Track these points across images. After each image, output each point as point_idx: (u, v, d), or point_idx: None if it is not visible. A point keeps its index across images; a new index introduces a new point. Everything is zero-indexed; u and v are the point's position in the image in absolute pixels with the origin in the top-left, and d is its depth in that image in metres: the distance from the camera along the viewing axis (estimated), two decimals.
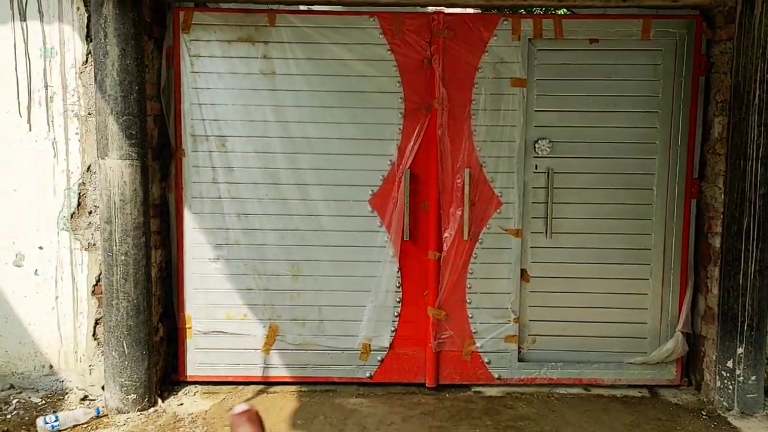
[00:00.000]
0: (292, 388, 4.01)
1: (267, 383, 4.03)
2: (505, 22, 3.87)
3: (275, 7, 3.89)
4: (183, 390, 3.95)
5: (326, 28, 3.87)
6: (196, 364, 4.01)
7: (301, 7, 3.91)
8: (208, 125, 3.89)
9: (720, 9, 3.76)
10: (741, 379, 3.67)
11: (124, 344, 3.58)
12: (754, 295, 3.64)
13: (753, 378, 3.66)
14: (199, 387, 4.02)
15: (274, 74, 3.88)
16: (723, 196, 3.73)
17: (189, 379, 4.02)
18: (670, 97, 3.91)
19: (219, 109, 3.88)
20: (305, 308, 4.00)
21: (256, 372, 4.03)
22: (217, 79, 3.87)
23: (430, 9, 3.92)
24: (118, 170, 3.51)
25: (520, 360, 4.06)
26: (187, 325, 3.99)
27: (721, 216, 3.74)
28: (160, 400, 3.75)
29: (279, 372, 4.03)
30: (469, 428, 3.51)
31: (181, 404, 3.77)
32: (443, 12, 3.88)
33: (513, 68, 3.89)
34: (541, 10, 3.99)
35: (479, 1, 3.73)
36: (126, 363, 3.60)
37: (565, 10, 3.92)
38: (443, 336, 4.00)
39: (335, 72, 3.90)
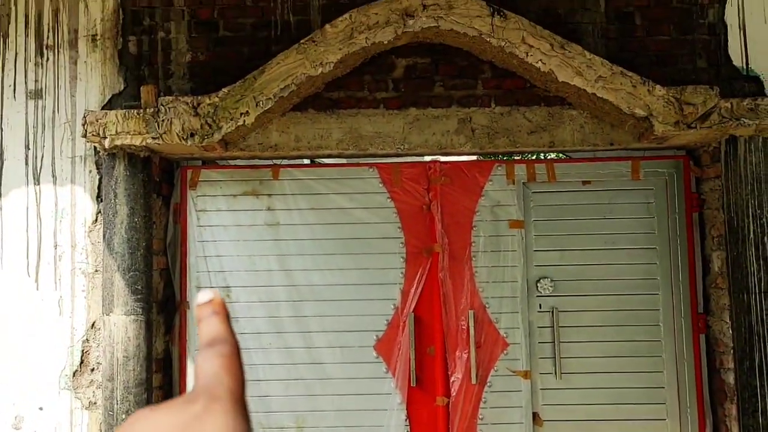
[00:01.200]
0: None
1: None
2: (500, 168, 4.03)
3: (279, 161, 4.07)
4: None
5: (328, 180, 4.03)
6: None
7: (304, 161, 4.09)
8: (213, 276, 3.94)
9: (705, 149, 3.92)
10: None
11: None
12: None
13: None
14: None
15: (278, 225, 3.99)
16: (731, 331, 3.69)
17: None
18: (667, 233, 3.98)
19: (224, 261, 3.95)
20: None
21: None
22: (223, 232, 3.97)
23: (427, 158, 4.10)
24: (122, 326, 3.52)
25: None
26: None
27: (732, 351, 3.68)
28: None
29: None
30: None
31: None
32: (439, 161, 4.05)
33: (510, 210, 4.00)
34: (532, 155, 4.16)
35: (473, 150, 3.90)
36: None
37: (557, 154, 4.09)
38: None
39: (337, 220, 4.01)
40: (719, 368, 3.84)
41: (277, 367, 3.91)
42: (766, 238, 3.59)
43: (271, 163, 4.05)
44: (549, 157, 4.11)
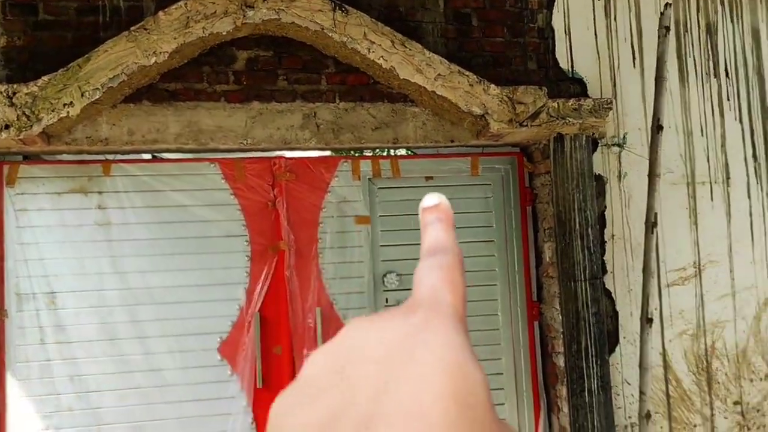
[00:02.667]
0: None
1: None
2: (345, 164, 4.02)
3: (111, 157, 3.80)
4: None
5: (166, 176, 3.81)
6: None
7: (138, 156, 3.85)
8: (35, 282, 3.61)
9: (536, 146, 4.15)
10: None
11: None
12: (600, 411, 3.78)
13: None
14: None
15: (110, 224, 3.72)
16: (561, 317, 3.94)
17: None
18: (503, 226, 4.17)
19: (48, 264, 3.63)
20: None
21: None
22: (46, 233, 3.65)
23: (272, 154, 4.00)
24: None
25: None
26: None
27: (562, 336, 3.93)
28: None
29: None
30: None
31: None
32: (284, 156, 3.97)
33: (356, 206, 4.01)
34: (374, 152, 4.21)
35: (318, 145, 3.86)
36: None
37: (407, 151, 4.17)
38: None
39: (177, 218, 3.81)
40: (551, 353, 4.09)
41: (111, 377, 3.65)
42: (589, 229, 3.86)
43: (102, 158, 3.77)
44: (393, 154, 4.16)
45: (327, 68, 3.87)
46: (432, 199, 0.51)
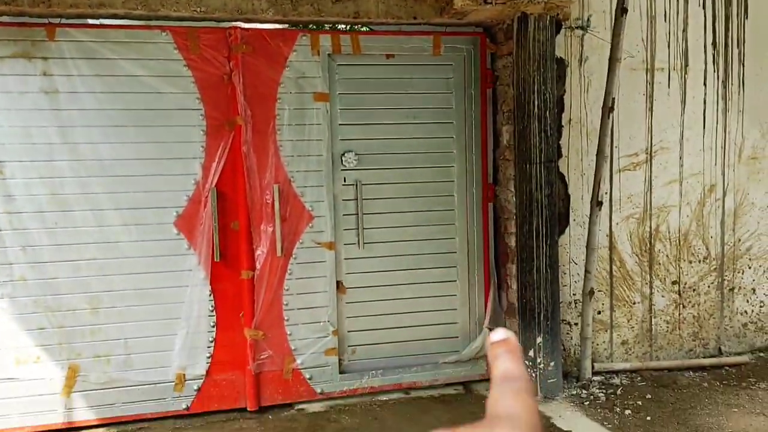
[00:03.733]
0: (100, 430, 3.69)
1: (71, 429, 3.67)
2: (304, 38, 3.89)
3: (56, 20, 3.59)
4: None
5: (115, 43, 3.64)
6: None
7: (86, 21, 3.65)
8: None
9: (500, 27, 4.08)
10: (542, 366, 3.96)
11: None
12: (548, 288, 3.96)
13: (552, 364, 3.98)
14: None
15: (57, 92, 3.57)
16: (515, 199, 4.03)
17: None
18: (463, 108, 4.16)
19: None
20: (109, 343, 3.71)
21: (57, 418, 3.65)
22: None
23: (227, 24, 3.84)
24: None
25: (341, 372, 4.08)
26: None
27: (515, 217, 4.04)
28: None
29: (84, 415, 3.69)
30: None
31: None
32: (240, 27, 3.81)
33: (315, 83, 3.92)
34: (337, 26, 4.08)
35: (275, 17, 3.71)
36: None
37: (363, 27, 4.04)
38: (262, 357, 3.91)
39: (128, 89, 3.68)
40: (504, 233, 4.22)
41: (64, 248, 3.63)
42: (548, 112, 3.88)
43: (45, 21, 3.56)
44: (354, 29, 4.04)
45: None
46: (500, 334, 0.58)
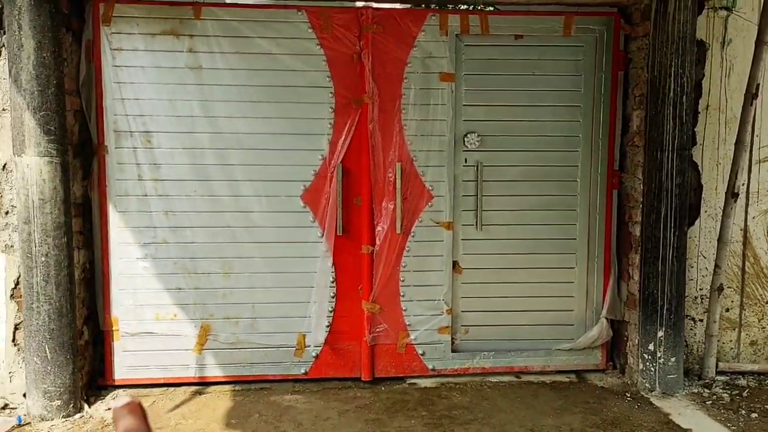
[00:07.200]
0: (226, 387, 3.94)
1: (200, 384, 3.95)
2: (433, 18, 3.91)
3: (201, 0, 3.81)
4: (111, 394, 3.82)
5: (254, 22, 3.81)
6: (124, 367, 3.89)
7: (228, 0, 3.84)
8: (132, 121, 3.77)
9: (636, 6, 3.92)
10: (662, 361, 3.83)
11: (47, 349, 3.44)
12: (672, 280, 3.81)
13: (672, 360, 3.83)
14: (128, 391, 3.89)
15: (200, 68, 3.80)
16: (642, 187, 3.89)
17: (117, 383, 3.89)
18: (592, 91, 4.04)
19: (143, 104, 3.77)
20: (238, 306, 3.94)
21: (189, 373, 3.94)
22: (141, 74, 3.76)
23: (359, 4, 3.92)
24: (36, 168, 3.36)
25: (453, 351, 4.13)
26: (114, 327, 3.86)
27: (641, 205, 3.90)
28: (86, 406, 3.62)
29: (212, 372, 3.96)
30: (405, 419, 3.54)
31: (109, 409, 3.65)
32: (372, 7, 3.89)
33: (441, 63, 3.94)
34: (468, 6, 4.05)
35: None
36: (49, 368, 3.46)
37: (491, 7, 4.00)
38: (378, 329, 4.02)
39: (264, 66, 3.85)
40: (628, 222, 4.09)
41: (202, 215, 3.87)
42: (684, 97, 3.70)
43: (193, 0, 3.78)
44: (483, 9, 4.00)
45: None
46: (123, 400, 0.67)
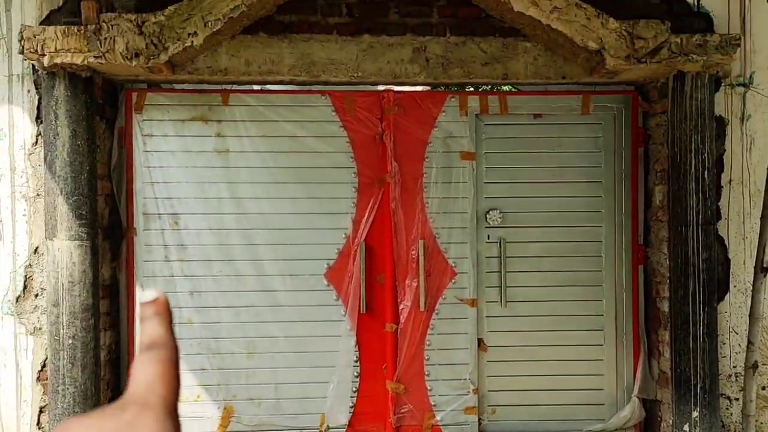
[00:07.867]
0: None
1: None
2: (453, 99, 4.02)
3: (229, 87, 3.96)
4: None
5: (279, 107, 3.95)
6: None
7: (255, 87, 3.99)
8: (160, 203, 3.87)
9: (654, 84, 3.99)
10: None
11: None
12: (705, 358, 3.71)
13: None
14: None
15: (228, 152, 3.91)
16: (668, 262, 3.85)
17: None
18: (612, 167, 4.07)
19: (172, 187, 3.88)
20: (261, 387, 3.91)
21: None
22: (171, 158, 3.88)
23: (380, 87, 4.05)
24: (66, 251, 3.44)
25: (480, 431, 4.02)
26: None
27: (668, 281, 3.85)
28: None
29: None
30: None
31: None
32: (393, 90, 4.01)
33: (462, 142, 4.02)
34: (486, 87, 4.16)
35: (427, 80, 3.87)
36: None
37: (509, 87, 4.10)
38: (403, 410, 3.95)
39: (289, 148, 3.96)
40: (655, 297, 4.02)
41: (227, 294, 3.91)
42: (706, 172, 3.70)
43: (221, 88, 3.94)
44: (502, 90, 4.11)
45: (438, 0, 3.84)
46: (150, 294, 0.54)
